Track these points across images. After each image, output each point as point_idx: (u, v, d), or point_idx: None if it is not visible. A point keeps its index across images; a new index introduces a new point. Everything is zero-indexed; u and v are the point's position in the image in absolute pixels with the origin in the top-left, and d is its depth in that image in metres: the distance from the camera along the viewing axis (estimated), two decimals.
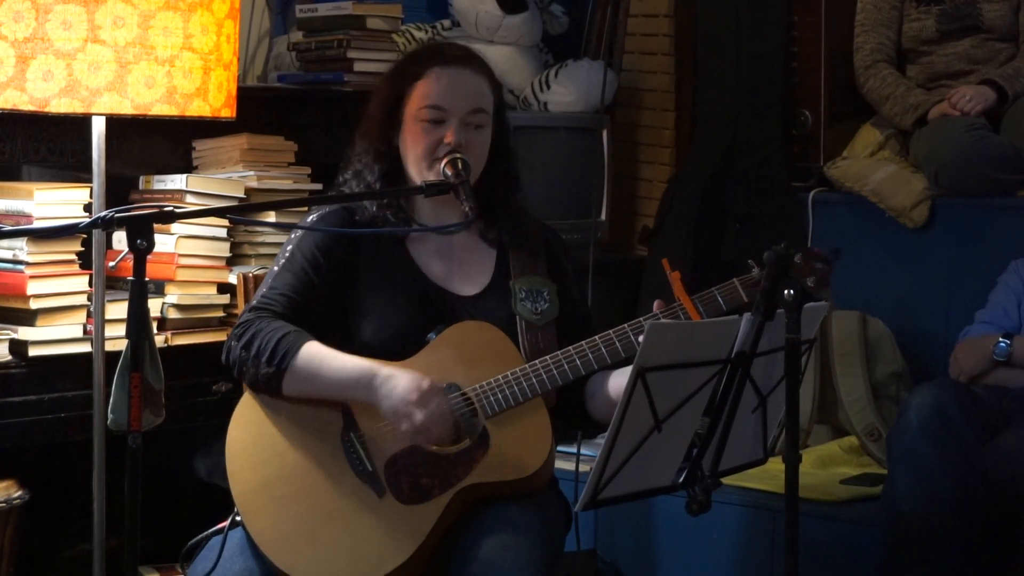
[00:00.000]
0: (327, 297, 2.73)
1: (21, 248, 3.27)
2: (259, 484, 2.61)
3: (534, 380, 2.63)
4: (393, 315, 2.71)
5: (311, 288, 2.72)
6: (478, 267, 2.81)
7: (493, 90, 2.81)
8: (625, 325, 2.65)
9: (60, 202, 3.33)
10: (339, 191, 2.85)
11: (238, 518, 2.62)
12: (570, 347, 2.66)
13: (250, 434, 2.65)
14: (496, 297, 2.77)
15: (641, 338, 2.31)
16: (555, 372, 2.64)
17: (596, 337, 2.66)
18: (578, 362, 2.65)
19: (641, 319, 2.67)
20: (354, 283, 2.75)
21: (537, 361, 2.65)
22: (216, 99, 3.23)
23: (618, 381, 2.68)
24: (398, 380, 2.58)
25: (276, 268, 2.75)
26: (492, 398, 2.62)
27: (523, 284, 2.78)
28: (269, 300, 2.70)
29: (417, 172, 2.75)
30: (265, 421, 2.65)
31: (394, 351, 2.67)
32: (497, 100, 2.82)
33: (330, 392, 2.62)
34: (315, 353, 2.62)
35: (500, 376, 2.63)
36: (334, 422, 2.64)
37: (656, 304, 2.66)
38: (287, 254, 2.75)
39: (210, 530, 2.67)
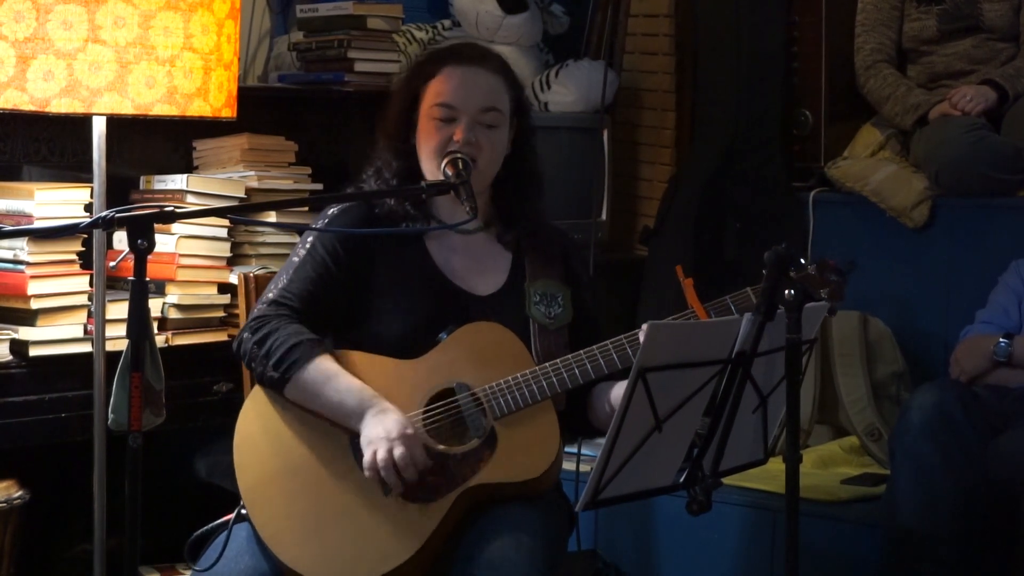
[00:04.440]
0: (345, 290, 2.74)
1: (22, 248, 3.27)
2: (266, 478, 2.61)
3: (544, 383, 2.63)
4: (408, 311, 2.72)
5: (330, 281, 2.73)
6: (494, 268, 2.82)
7: (510, 90, 2.80)
8: (637, 331, 2.64)
9: (60, 202, 3.33)
10: (359, 187, 2.86)
11: (244, 511, 2.62)
12: (581, 351, 2.66)
13: (259, 428, 2.65)
14: (510, 299, 2.77)
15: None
16: (565, 375, 2.64)
17: (608, 342, 2.66)
18: (588, 366, 2.65)
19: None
20: (372, 277, 2.75)
21: (548, 364, 2.65)
22: (217, 99, 3.23)
23: (619, 392, 2.68)
24: (387, 418, 2.58)
25: (296, 260, 2.75)
26: (502, 399, 2.63)
27: (538, 288, 2.79)
28: (288, 294, 2.71)
29: (429, 170, 2.75)
30: (274, 415, 2.65)
31: (407, 347, 2.68)
32: (516, 100, 2.82)
33: (326, 412, 2.63)
34: (322, 371, 2.62)
35: (511, 377, 2.64)
36: None
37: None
38: (307, 246, 2.76)
39: (216, 522, 2.67)
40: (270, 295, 2.72)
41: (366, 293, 2.75)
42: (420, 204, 2.80)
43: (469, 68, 2.77)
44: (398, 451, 2.54)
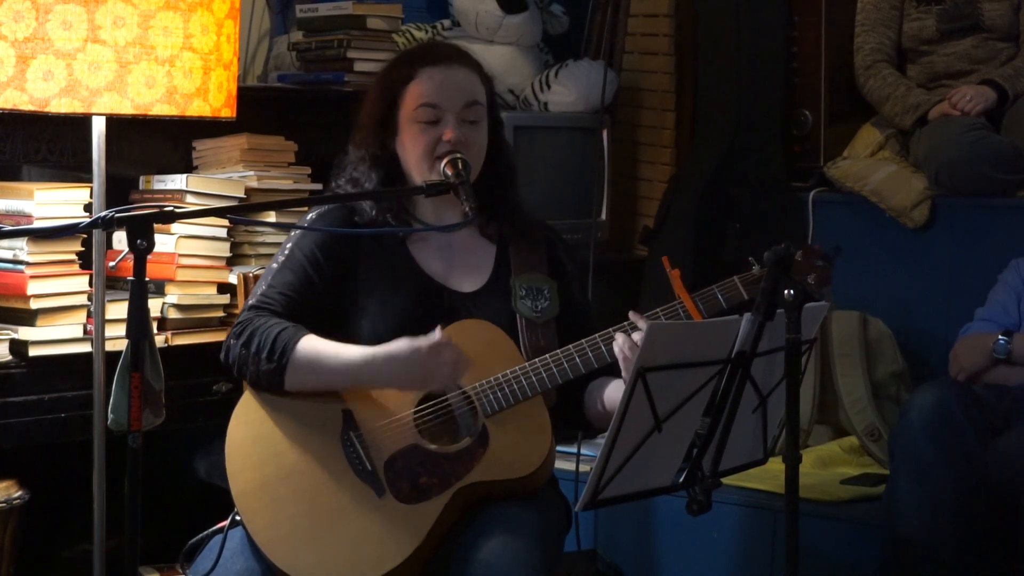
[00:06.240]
0: (326, 295, 2.73)
1: (21, 248, 3.27)
2: (259, 483, 2.61)
3: (534, 378, 2.63)
4: (392, 313, 2.71)
5: (310, 287, 2.72)
6: (478, 264, 2.81)
7: (484, 83, 2.81)
8: (625, 323, 2.65)
9: (60, 202, 3.33)
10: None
11: (238, 518, 2.62)
12: (570, 345, 2.66)
13: (250, 433, 2.65)
14: (496, 294, 2.77)
15: (638, 335, 2.30)
16: (555, 370, 2.64)
17: (596, 335, 2.66)
18: (578, 360, 2.65)
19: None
20: (353, 281, 2.75)
21: (537, 359, 2.65)
22: (216, 99, 3.23)
23: (614, 395, 2.69)
24: (399, 358, 2.57)
25: (275, 266, 2.75)
26: (492, 396, 2.62)
27: (523, 282, 2.78)
28: (268, 299, 2.70)
29: (418, 173, 2.75)
30: (265, 420, 2.65)
31: None
32: (489, 93, 2.82)
33: (332, 381, 2.63)
34: (313, 345, 2.62)
35: (500, 374, 2.63)
36: (333, 421, 2.64)
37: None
38: (286, 252, 2.76)
39: (210, 530, 2.67)
40: (250, 301, 2.73)
41: (348, 297, 2.74)
42: (402, 209, 2.80)
43: (446, 67, 2.77)
44: (443, 363, 2.56)
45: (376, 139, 2.80)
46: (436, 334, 2.58)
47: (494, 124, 2.83)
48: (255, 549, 2.57)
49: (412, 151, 2.75)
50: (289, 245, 2.77)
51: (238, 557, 2.58)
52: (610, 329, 2.66)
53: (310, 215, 2.83)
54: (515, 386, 2.63)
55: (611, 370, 2.67)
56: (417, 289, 2.75)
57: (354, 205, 2.79)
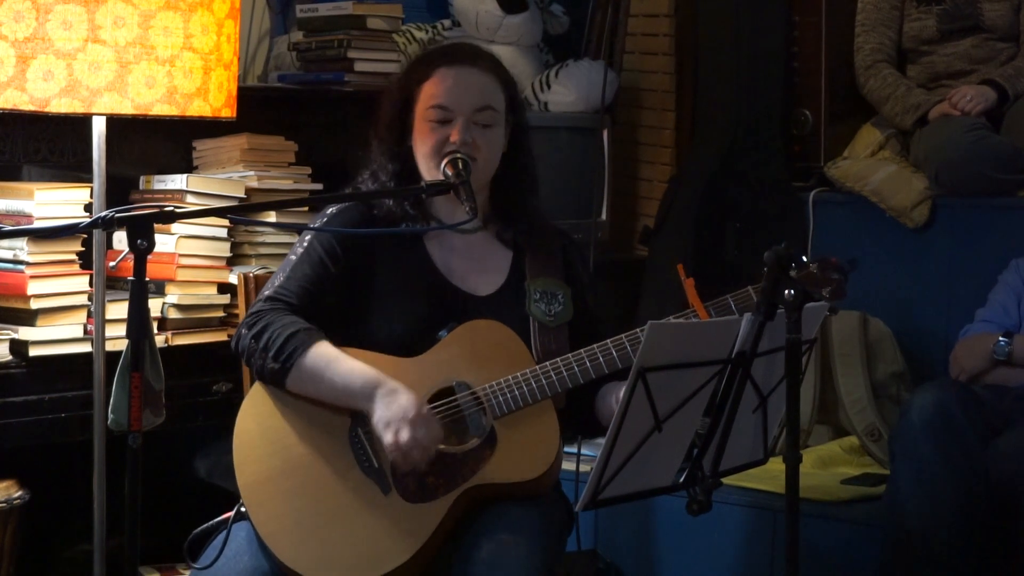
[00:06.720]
0: (343, 290, 2.74)
1: (21, 248, 3.27)
2: (265, 476, 2.61)
3: (544, 382, 2.63)
4: (406, 311, 2.72)
5: (327, 280, 2.73)
6: (494, 267, 2.81)
7: (504, 88, 2.80)
8: (637, 329, 2.64)
9: (60, 202, 3.33)
10: (355, 189, 2.85)
11: (243, 509, 2.62)
12: (581, 350, 2.66)
13: (258, 426, 2.65)
14: (510, 297, 2.77)
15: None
16: (565, 374, 2.64)
17: (608, 340, 2.66)
18: (588, 365, 2.65)
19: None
20: (370, 277, 2.75)
21: (548, 363, 2.65)
22: (216, 99, 3.23)
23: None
24: (399, 397, 2.58)
25: (294, 258, 2.75)
26: (501, 398, 2.62)
27: (538, 286, 2.78)
28: (285, 291, 2.71)
29: (427, 171, 2.75)
30: (274, 414, 2.65)
31: (405, 347, 2.68)
32: (510, 98, 2.81)
33: (332, 397, 2.63)
34: (322, 355, 2.62)
35: (510, 376, 2.63)
36: (342, 417, 2.64)
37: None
38: (305, 244, 2.76)
39: (215, 520, 2.67)
40: (267, 292, 2.73)
41: (364, 293, 2.74)
42: (419, 204, 2.80)
43: (462, 68, 2.77)
44: (420, 431, 2.54)
45: (393, 135, 2.81)
46: (424, 409, 2.58)
47: (517, 128, 2.83)
48: (261, 546, 2.57)
49: (422, 148, 2.75)
50: (308, 238, 2.77)
51: (243, 553, 2.57)
52: (621, 336, 2.66)
53: (329, 210, 2.83)
54: (525, 389, 2.63)
55: (622, 375, 2.67)
56: (432, 289, 2.75)
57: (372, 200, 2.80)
